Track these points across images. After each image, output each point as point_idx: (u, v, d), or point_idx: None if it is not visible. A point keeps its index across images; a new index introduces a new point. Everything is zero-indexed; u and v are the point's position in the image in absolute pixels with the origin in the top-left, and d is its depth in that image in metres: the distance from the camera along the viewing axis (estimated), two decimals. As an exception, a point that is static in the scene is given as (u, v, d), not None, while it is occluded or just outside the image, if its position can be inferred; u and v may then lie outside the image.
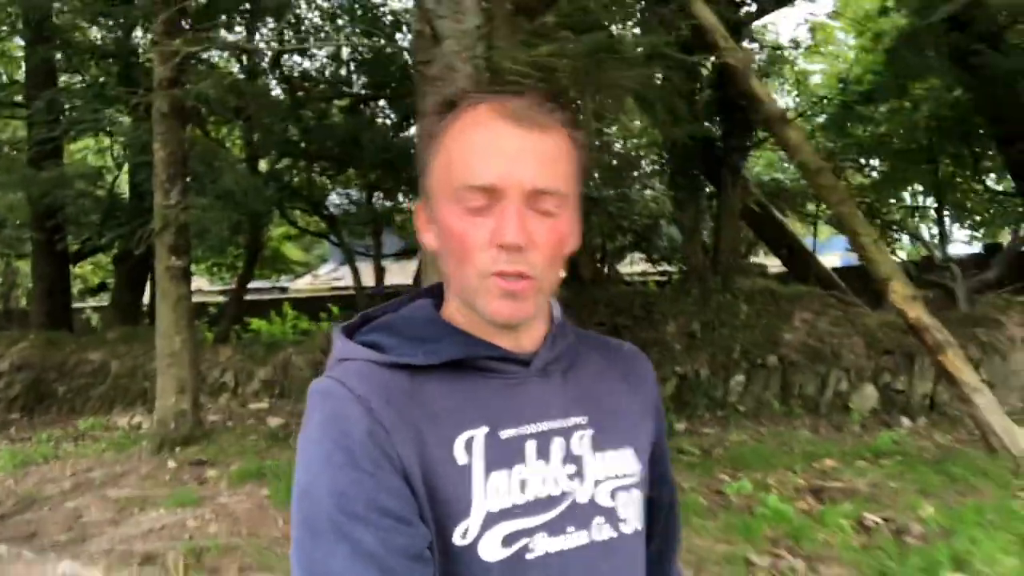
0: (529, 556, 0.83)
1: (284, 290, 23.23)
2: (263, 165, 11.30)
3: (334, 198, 12.45)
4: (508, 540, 0.82)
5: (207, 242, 9.46)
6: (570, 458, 0.89)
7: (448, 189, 0.84)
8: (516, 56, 2.98)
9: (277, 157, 10.70)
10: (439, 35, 2.94)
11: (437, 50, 2.98)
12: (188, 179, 7.61)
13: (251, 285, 16.52)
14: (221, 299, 17.49)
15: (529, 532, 0.83)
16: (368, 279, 11.91)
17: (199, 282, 20.79)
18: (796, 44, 11.16)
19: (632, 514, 0.92)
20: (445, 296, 0.95)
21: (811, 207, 12.62)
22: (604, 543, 0.88)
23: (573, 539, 0.86)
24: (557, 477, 0.87)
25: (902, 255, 14.66)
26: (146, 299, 13.41)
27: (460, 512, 0.81)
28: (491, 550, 0.81)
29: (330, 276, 24.58)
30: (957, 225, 12.70)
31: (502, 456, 0.84)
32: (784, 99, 13.36)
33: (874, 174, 11.84)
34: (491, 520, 0.82)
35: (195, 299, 17.29)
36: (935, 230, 12.37)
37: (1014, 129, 8.85)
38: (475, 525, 0.81)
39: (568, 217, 0.87)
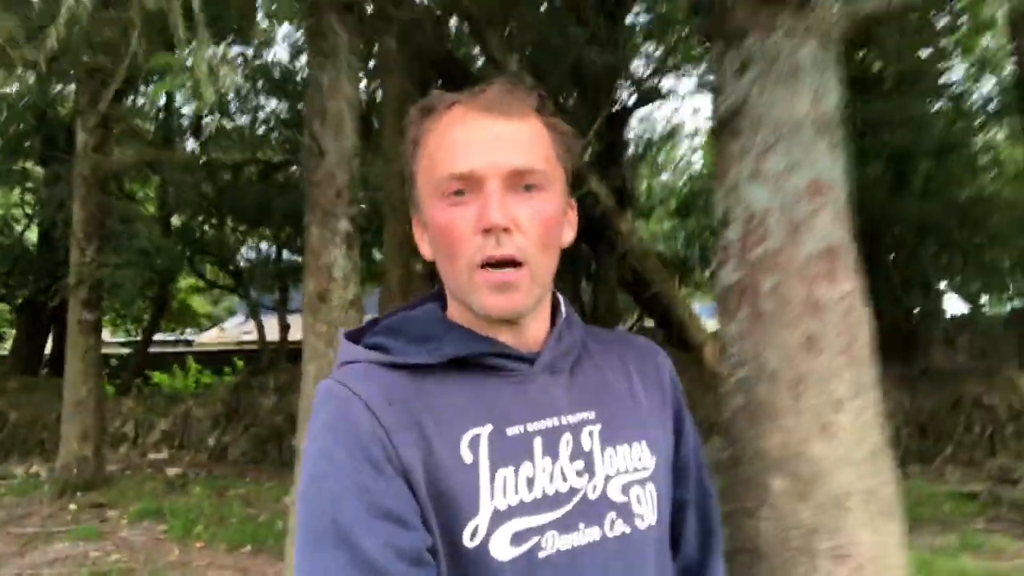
0: (541, 555, 0.82)
1: (189, 343, 23.27)
2: (175, 220, 11.93)
3: (244, 251, 13.11)
4: (517, 538, 0.81)
5: (119, 297, 9.98)
6: (579, 454, 0.88)
7: (431, 186, 0.86)
8: (389, 168, 3.89)
9: (191, 215, 11.35)
10: (323, 151, 3.93)
11: (322, 162, 3.96)
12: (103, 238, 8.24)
13: (156, 337, 16.77)
14: (124, 351, 17.59)
15: (539, 530, 0.83)
16: (273, 333, 12.54)
17: (102, 334, 20.79)
18: (666, 136, 12.71)
19: (647, 509, 0.90)
20: (448, 301, 0.96)
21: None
22: (618, 539, 0.87)
23: (585, 536, 0.85)
24: (566, 473, 0.86)
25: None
26: (47, 350, 13.63)
27: (468, 512, 0.80)
28: (502, 549, 0.80)
29: (238, 329, 24.72)
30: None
31: (508, 454, 0.84)
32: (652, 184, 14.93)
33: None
34: (499, 518, 0.81)
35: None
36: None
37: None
38: (484, 524, 0.80)
39: (555, 199, 0.88)
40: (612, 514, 0.88)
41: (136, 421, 10.79)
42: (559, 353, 0.93)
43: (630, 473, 0.91)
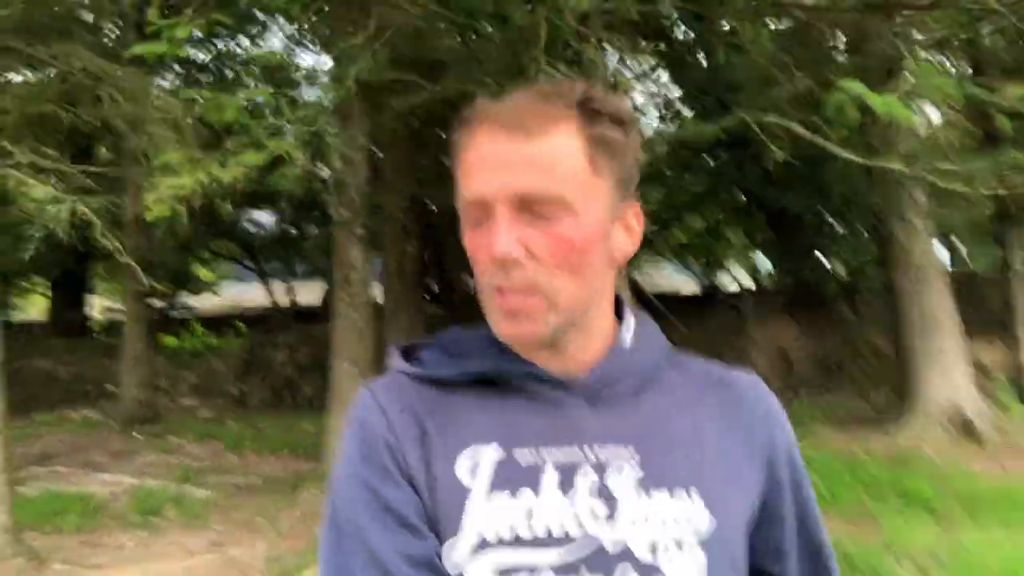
0: None
1: (190, 308, 25.36)
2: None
3: (247, 225, 15.16)
4: (505, 573, 0.77)
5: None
6: (600, 494, 0.80)
7: (461, 208, 0.85)
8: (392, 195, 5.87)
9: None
10: (345, 184, 6.11)
11: (344, 190, 6.14)
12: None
13: (158, 304, 18.84)
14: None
15: (532, 570, 0.76)
16: (280, 299, 14.76)
17: (105, 301, 22.95)
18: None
19: (684, 571, 0.78)
20: None
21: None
22: None
23: None
24: (579, 514, 0.78)
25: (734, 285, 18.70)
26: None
27: (451, 531, 0.78)
28: None
29: (234, 295, 26.72)
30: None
31: (510, 479, 0.80)
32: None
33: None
34: (483, 546, 0.77)
35: (109, 316, 19.44)
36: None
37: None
38: (465, 550, 0.77)
39: (584, 219, 0.80)
40: (627, 568, 0.77)
41: (166, 375, 13.01)
42: (603, 382, 0.85)
43: (665, 526, 0.79)
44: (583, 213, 0.80)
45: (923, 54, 5.10)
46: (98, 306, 21.14)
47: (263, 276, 14.28)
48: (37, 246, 13.38)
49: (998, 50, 6.62)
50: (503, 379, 0.86)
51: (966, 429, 7.49)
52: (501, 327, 0.82)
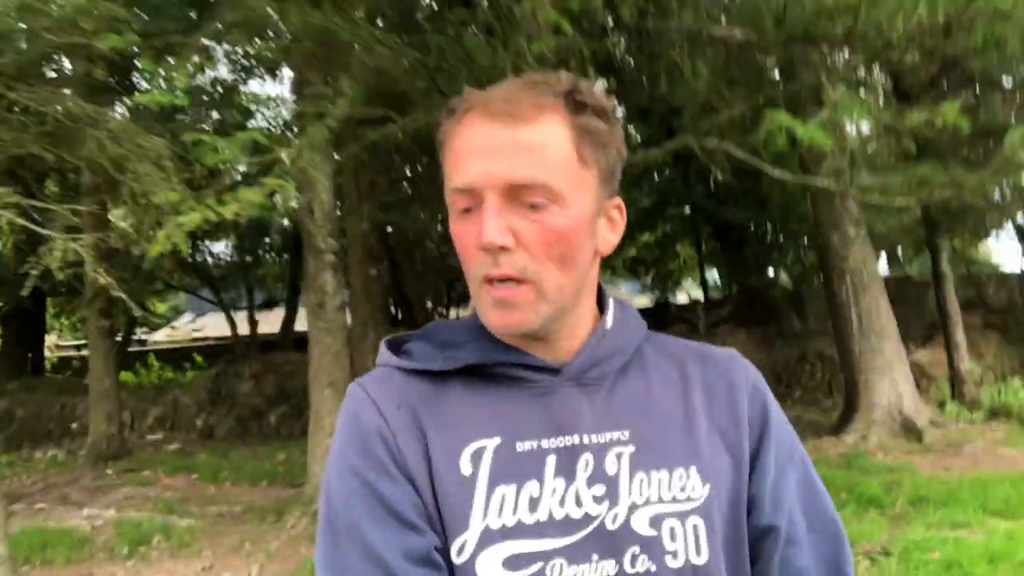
0: None
1: (143, 342, 25.11)
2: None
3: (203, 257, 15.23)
4: (514, 563, 0.78)
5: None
6: (600, 477, 0.82)
7: (448, 197, 0.85)
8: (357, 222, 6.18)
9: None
10: (314, 212, 6.41)
11: (313, 218, 6.44)
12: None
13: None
14: (80, 353, 19.34)
15: (544, 556, 0.78)
16: (241, 329, 14.83)
17: (53, 338, 22.64)
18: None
19: (688, 546, 0.81)
20: None
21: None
22: None
23: (598, 569, 0.79)
24: (581, 498, 0.81)
25: (685, 297, 19.33)
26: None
27: (459, 526, 0.79)
28: (491, 571, 0.77)
29: (188, 328, 26.51)
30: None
31: (513, 470, 0.81)
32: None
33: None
34: (490, 538, 0.78)
35: (57, 354, 19.13)
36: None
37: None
38: (471, 542, 0.78)
39: (573, 209, 0.81)
40: (635, 548, 0.80)
41: (130, 410, 12.98)
42: (591, 364, 0.87)
43: (665, 503, 0.82)
44: (571, 204, 0.81)
45: (845, 80, 5.64)
46: (49, 344, 20.87)
47: (223, 306, 14.34)
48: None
49: (916, 67, 7.23)
50: (494, 369, 0.86)
51: (909, 429, 8.02)
52: (491, 317, 0.82)
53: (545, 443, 0.82)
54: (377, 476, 0.80)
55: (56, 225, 4.66)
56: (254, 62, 11.05)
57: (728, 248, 13.85)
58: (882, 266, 18.64)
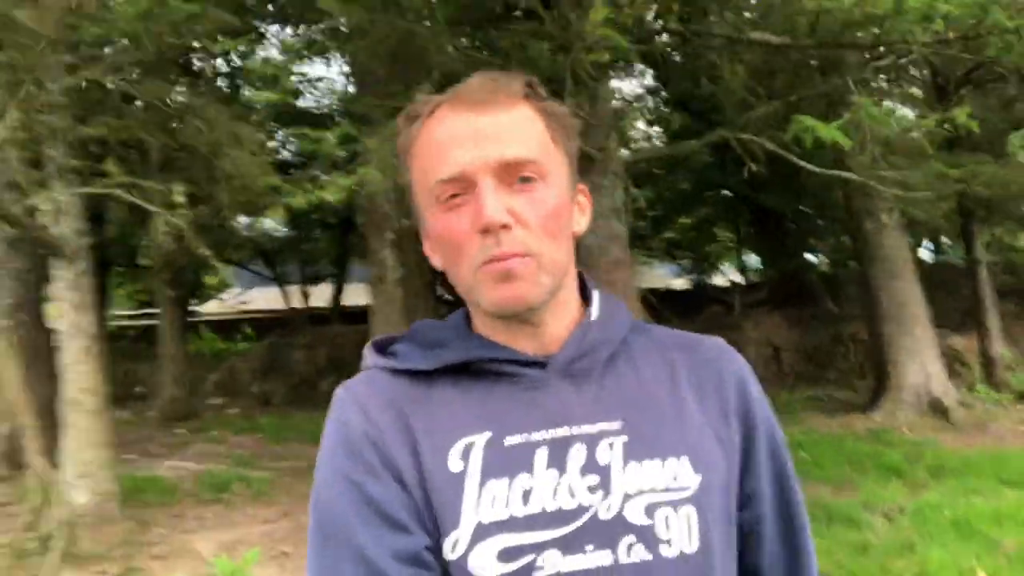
0: (537, 574, 0.79)
1: (193, 314, 26.18)
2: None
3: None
4: (507, 555, 0.79)
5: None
6: (593, 468, 0.83)
7: (427, 194, 0.86)
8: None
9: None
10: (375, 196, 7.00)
11: (374, 202, 7.02)
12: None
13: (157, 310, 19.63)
14: (134, 323, 20.34)
15: (536, 548, 0.79)
16: (293, 302, 15.62)
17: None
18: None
19: (681, 535, 0.82)
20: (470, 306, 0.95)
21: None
22: (635, 567, 0.80)
23: (593, 559, 0.79)
24: (574, 489, 0.82)
25: (722, 279, 19.67)
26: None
27: (451, 523, 0.80)
28: (484, 565, 0.78)
29: (235, 300, 27.52)
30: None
31: (503, 464, 0.82)
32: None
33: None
34: (483, 532, 0.79)
35: (115, 323, 20.12)
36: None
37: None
38: (464, 537, 0.79)
39: (557, 187, 0.85)
40: (629, 537, 0.80)
41: (192, 376, 13.86)
42: (578, 354, 0.88)
43: (658, 492, 0.83)
44: (555, 181, 0.85)
45: (883, 74, 6.02)
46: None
47: (278, 280, 15.12)
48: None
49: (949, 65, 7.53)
50: (481, 366, 0.87)
51: (936, 409, 8.41)
52: (495, 294, 0.83)
53: (535, 436, 0.83)
54: (365, 478, 0.81)
55: (156, 202, 5.30)
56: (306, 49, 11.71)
57: (766, 232, 14.19)
58: (925, 252, 18.82)
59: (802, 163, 4.66)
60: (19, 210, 5.09)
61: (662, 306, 15.04)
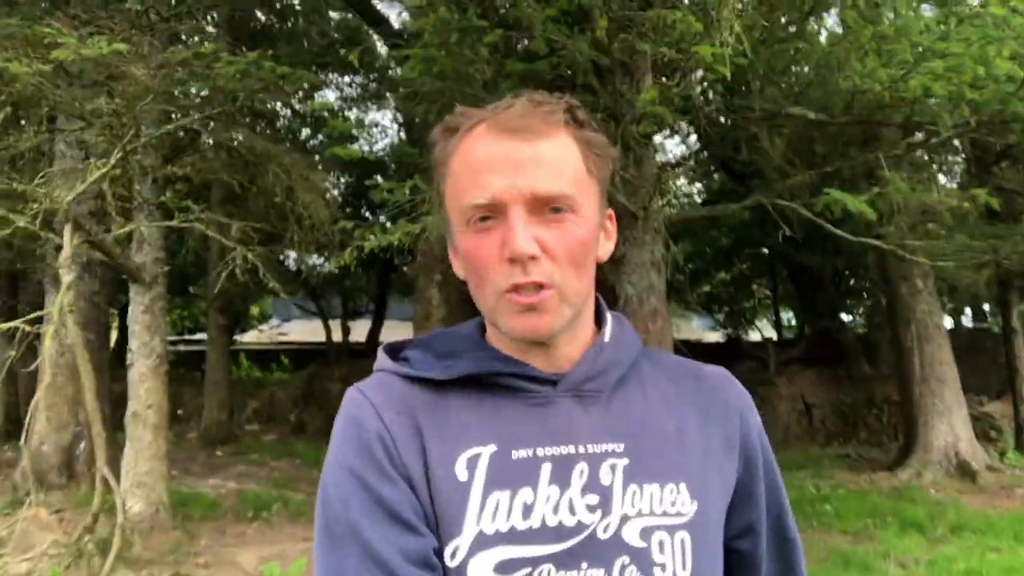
0: None
1: (234, 342, 26.92)
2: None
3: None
4: (505, 567, 0.81)
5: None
6: (594, 487, 0.85)
7: (458, 213, 0.87)
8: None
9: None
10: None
11: (429, 241, 7.50)
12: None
13: (196, 336, 20.24)
14: (175, 348, 21.02)
15: (533, 562, 0.81)
16: (334, 335, 16.15)
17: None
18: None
19: (675, 560, 0.84)
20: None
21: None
22: None
23: None
24: (575, 506, 0.84)
25: (757, 335, 19.84)
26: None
27: (453, 531, 0.82)
28: (481, 575, 0.80)
29: (274, 331, 28.21)
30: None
31: (508, 477, 0.84)
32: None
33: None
34: (483, 542, 0.81)
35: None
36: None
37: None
38: (464, 546, 0.81)
39: (587, 219, 0.87)
40: (624, 558, 0.83)
41: (231, 403, 14.39)
42: (589, 375, 0.90)
43: (656, 516, 0.85)
44: (586, 213, 0.86)
45: (922, 147, 6.37)
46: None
47: (322, 314, 15.70)
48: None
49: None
50: (493, 379, 0.89)
51: (964, 471, 8.56)
52: (517, 323, 0.85)
53: (541, 451, 0.85)
54: (376, 478, 0.82)
55: (233, 238, 5.82)
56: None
57: (802, 290, 14.45)
58: (967, 319, 18.83)
59: (834, 229, 5.02)
60: (108, 239, 5.63)
61: (695, 358, 15.21)
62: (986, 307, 17.54)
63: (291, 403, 14.13)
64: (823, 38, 5.58)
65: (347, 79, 12.11)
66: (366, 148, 13.64)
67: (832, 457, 10.66)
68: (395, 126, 14.33)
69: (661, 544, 0.84)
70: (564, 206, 0.84)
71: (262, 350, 23.25)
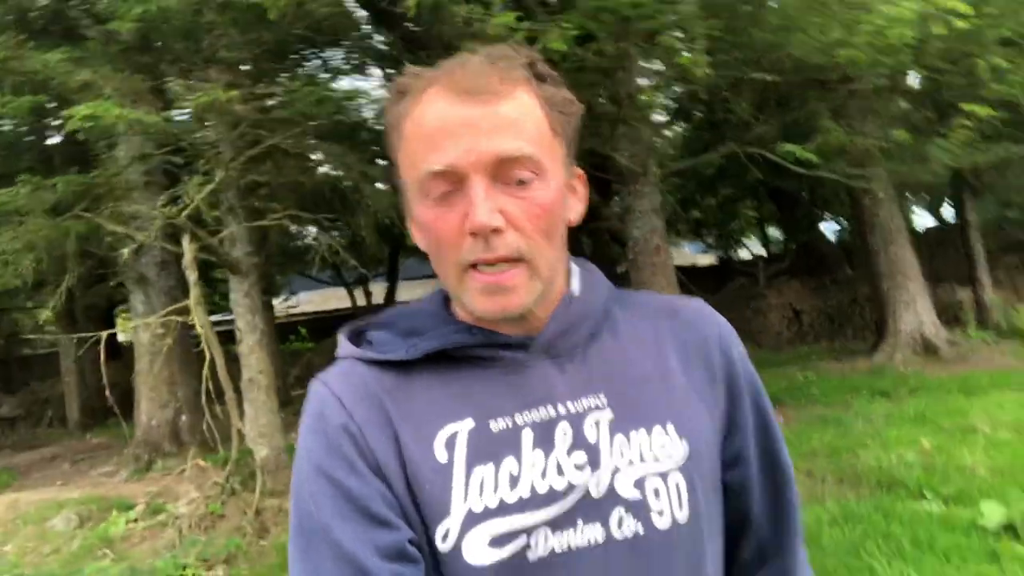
0: (532, 556, 0.80)
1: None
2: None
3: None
4: (500, 541, 0.81)
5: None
6: (580, 445, 0.85)
7: (414, 182, 0.84)
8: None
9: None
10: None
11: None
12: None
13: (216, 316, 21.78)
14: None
15: (527, 531, 0.81)
16: (355, 303, 17.73)
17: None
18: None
19: (672, 504, 0.85)
20: None
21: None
22: (629, 540, 0.82)
23: (585, 535, 0.82)
24: (563, 467, 0.83)
25: (745, 253, 21.53)
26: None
27: (440, 513, 0.81)
28: (478, 553, 0.80)
29: (285, 305, 29.55)
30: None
31: (489, 450, 0.83)
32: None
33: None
34: (473, 520, 0.81)
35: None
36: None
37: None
38: (455, 527, 0.81)
39: (553, 182, 0.84)
40: (619, 510, 0.83)
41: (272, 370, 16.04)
42: (560, 332, 0.90)
43: (647, 463, 0.85)
44: (552, 176, 0.83)
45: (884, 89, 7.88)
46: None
47: (345, 283, 17.26)
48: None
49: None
50: (462, 352, 0.88)
51: (928, 348, 10.28)
52: (483, 303, 0.83)
53: (519, 418, 0.85)
54: (345, 474, 0.82)
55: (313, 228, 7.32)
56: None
57: (783, 209, 16.08)
58: (943, 217, 20.51)
59: (793, 167, 6.57)
60: (214, 242, 7.13)
61: (691, 282, 16.88)
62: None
63: (328, 366, 15.72)
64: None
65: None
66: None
67: (819, 351, 12.41)
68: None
69: (656, 491, 0.85)
70: (529, 170, 0.82)
71: (278, 324, 24.61)
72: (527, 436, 0.85)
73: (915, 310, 10.49)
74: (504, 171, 0.81)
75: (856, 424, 6.88)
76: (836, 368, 10.45)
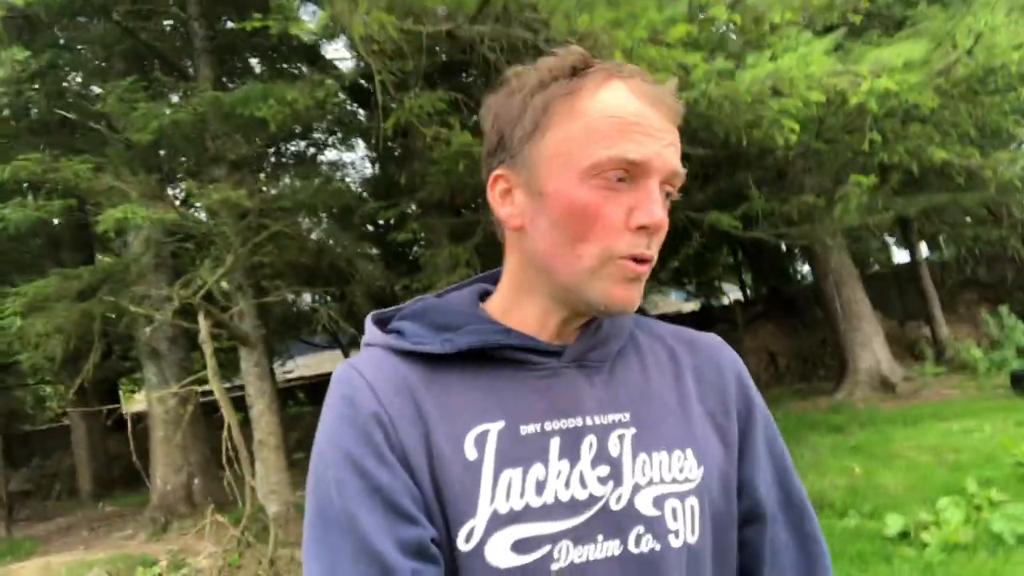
0: (554, 566, 0.81)
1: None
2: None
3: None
4: (522, 546, 0.81)
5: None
6: (604, 459, 0.86)
7: (580, 159, 0.83)
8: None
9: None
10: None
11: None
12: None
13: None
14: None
15: (551, 539, 0.82)
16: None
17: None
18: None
19: (687, 525, 0.87)
20: (500, 282, 0.97)
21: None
22: (644, 556, 0.84)
23: (603, 549, 0.83)
24: (586, 479, 0.85)
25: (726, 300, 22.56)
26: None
27: (465, 512, 0.81)
28: (500, 556, 0.80)
29: (283, 370, 30.25)
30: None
31: (518, 453, 0.84)
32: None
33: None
34: (498, 522, 0.81)
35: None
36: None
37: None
38: (480, 527, 0.81)
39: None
40: (639, 528, 0.85)
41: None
42: (590, 346, 0.92)
43: (667, 484, 0.87)
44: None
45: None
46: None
47: (341, 347, 18.18)
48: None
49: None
50: (495, 352, 0.89)
51: (885, 385, 11.23)
52: (617, 291, 0.85)
53: (548, 425, 0.86)
54: (375, 464, 0.81)
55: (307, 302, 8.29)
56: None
57: (751, 257, 17.18)
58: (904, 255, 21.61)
59: (730, 230, 7.61)
60: (226, 317, 8.11)
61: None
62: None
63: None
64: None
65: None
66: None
67: (790, 392, 13.34)
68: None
69: (674, 511, 0.87)
70: (674, 188, 0.88)
71: (281, 388, 25.29)
72: (555, 444, 0.86)
73: (871, 349, 11.46)
74: (669, 184, 0.87)
75: (804, 455, 7.78)
76: (801, 407, 11.38)
